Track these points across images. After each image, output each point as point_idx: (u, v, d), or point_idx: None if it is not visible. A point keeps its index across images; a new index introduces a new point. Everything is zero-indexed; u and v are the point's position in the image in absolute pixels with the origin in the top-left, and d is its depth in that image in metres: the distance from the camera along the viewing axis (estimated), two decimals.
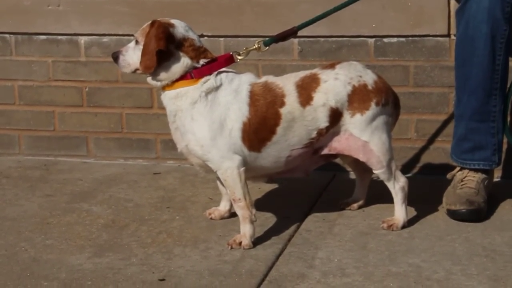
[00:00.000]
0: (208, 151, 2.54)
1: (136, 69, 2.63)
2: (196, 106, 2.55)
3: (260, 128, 2.56)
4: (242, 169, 2.55)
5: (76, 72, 3.57)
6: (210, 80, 2.57)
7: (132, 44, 2.64)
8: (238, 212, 2.58)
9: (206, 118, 2.54)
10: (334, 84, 2.60)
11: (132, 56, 2.62)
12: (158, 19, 2.60)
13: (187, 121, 2.57)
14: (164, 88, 2.62)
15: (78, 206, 3.01)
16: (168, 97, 2.61)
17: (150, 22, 2.60)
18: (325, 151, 2.67)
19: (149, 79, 2.63)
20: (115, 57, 2.66)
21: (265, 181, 2.95)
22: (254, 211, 2.58)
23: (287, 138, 2.60)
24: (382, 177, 2.68)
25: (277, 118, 2.57)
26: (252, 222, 2.58)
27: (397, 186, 2.69)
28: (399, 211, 2.70)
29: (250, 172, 2.60)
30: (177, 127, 2.61)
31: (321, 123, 2.60)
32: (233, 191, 2.56)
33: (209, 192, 3.12)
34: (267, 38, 2.75)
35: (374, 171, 2.69)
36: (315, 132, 2.61)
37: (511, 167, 3.19)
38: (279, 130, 2.58)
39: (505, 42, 2.75)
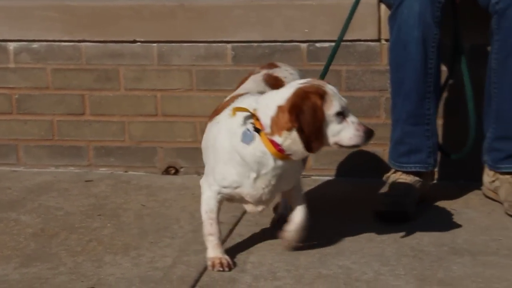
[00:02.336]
0: None
1: None
2: None
3: None
4: None
5: (5, 79, 3.49)
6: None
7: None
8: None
9: None
10: (295, 79, 2.54)
11: None
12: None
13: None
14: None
15: (5, 216, 2.93)
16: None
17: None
18: None
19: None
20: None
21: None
22: None
23: None
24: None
25: None
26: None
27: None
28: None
29: None
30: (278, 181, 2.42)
31: None
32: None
33: (141, 199, 3.08)
34: None
35: None
36: None
37: (446, 169, 3.24)
38: None
39: (437, 46, 2.80)
